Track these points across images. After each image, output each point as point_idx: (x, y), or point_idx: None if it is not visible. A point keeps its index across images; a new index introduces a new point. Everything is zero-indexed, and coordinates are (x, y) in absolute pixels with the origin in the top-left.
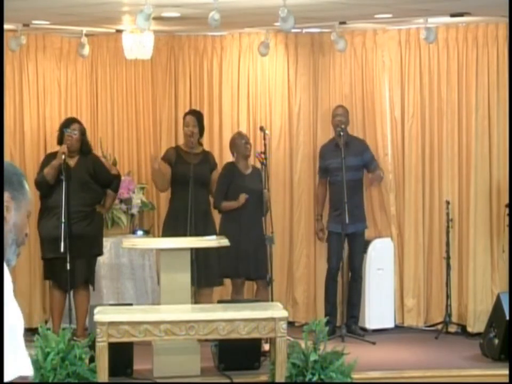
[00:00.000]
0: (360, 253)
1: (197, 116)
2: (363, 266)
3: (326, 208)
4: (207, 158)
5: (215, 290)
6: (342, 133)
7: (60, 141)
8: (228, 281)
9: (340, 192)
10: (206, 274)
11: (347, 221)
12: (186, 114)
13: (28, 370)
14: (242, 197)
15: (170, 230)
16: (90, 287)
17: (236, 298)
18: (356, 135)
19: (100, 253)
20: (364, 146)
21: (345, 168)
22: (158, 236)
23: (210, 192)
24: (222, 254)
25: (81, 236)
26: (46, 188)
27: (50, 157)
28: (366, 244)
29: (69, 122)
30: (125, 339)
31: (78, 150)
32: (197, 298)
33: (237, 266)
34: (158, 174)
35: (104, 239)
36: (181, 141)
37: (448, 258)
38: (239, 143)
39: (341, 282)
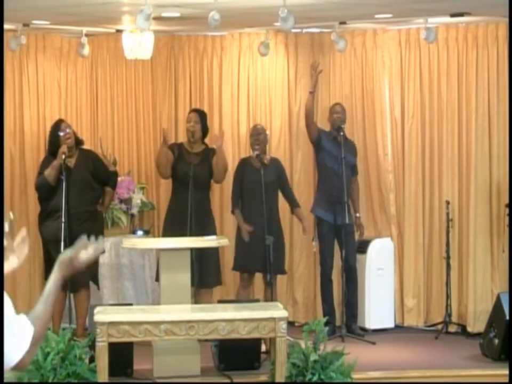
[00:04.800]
0: (353, 252)
1: (199, 113)
2: (363, 266)
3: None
4: (207, 156)
5: (214, 290)
6: (342, 133)
7: (56, 148)
8: (227, 281)
9: (336, 185)
10: (206, 274)
11: (347, 220)
12: (190, 111)
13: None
14: (245, 234)
15: (170, 229)
16: (91, 288)
17: (242, 294)
18: (356, 137)
19: (103, 251)
20: (355, 148)
21: (340, 161)
22: (158, 236)
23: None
24: (237, 248)
25: (88, 236)
26: (47, 190)
27: (50, 158)
28: (366, 244)
29: (58, 125)
30: (125, 339)
31: (75, 145)
32: (196, 299)
33: (248, 261)
34: (164, 156)
35: (104, 239)
36: (181, 140)
37: (448, 258)
38: (251, 140)
39: (338, 282)
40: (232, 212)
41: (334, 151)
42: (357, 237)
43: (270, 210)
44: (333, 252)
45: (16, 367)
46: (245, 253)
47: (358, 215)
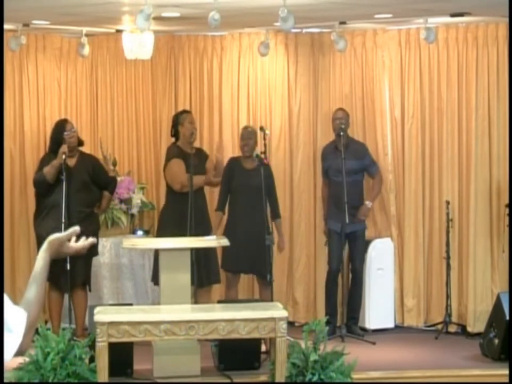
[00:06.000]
0: (361, 255)
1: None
2: (363, 266)
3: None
4: (200, 155)
5: (214, 290)
6: (342, 133)
7: (58, 146)
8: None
9: (340, 193)
10: (205, 272)
11: (347, 220)
12: (184, 112)
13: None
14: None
15: (169, 229)
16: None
17: (227, 294)
18: (356, 138)
19: (97, 253)
20: (363, 150)
21: (345, 171)
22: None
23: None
24: (223, 248)
25: (82, 236)
26: (45, 187)
27: (50, 156)
28: (366, 244)
29: (63, 124)
30: (125, 339)
31: (76, 146)
32: (195, 297)
33: (235, 261)
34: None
35: (104, 239)
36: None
37: (448, 258)
38: (240, 143)
39: (342, 283)
40: (216, 211)
41: (335, 162)
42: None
43: (258, 213)
44: (340, 255)
45: (16, 355)
46: (230, 253)
47: (367, 202)
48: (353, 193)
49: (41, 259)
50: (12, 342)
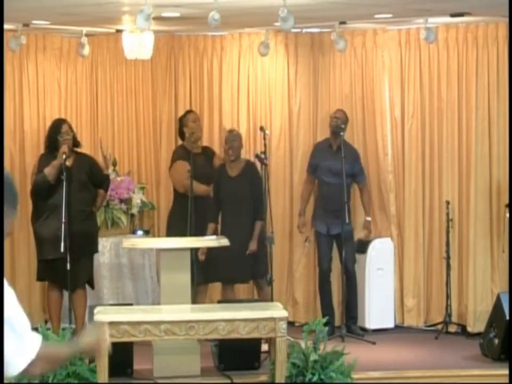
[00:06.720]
0: (352, 256)
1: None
2: (363, 266)
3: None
4: (207, 154)
5: (214, 290)
6: (342, 133)
7: (53, 147)
8: None
9: (328, 194)
10: (203, 270)
11: (347, 220)
12: (187, 113)
13: (34, 350)
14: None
15: (175, 230)
16: (88, 286)
17: (224, 294)
18: (356, 138)
19: (97, 251)
20: (355, 156)
21: (334, 172)
22: (158, 236)
23: None
24: (216, 259)
25: (84, 235)
26: (46, 188)
27: (45, 157)
28: (366, 244)
29: (58, 126)
30: (125, 339)
31: (72, 147)
32: (193, 296)
33: (228, 272)
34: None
35: (104, 239)
36: (180, 142)
37: (448, 258)
38: (225, 147)
39: (337, 284)
40: (208, 222)
41: (327, 161)
42: (361, 235)
43: (248, 222)
44: (329, 256)
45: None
46: (223, 264)
47: (368, 218)
48: (339, 196)
49: (73, 350)
50: (21, 352)
